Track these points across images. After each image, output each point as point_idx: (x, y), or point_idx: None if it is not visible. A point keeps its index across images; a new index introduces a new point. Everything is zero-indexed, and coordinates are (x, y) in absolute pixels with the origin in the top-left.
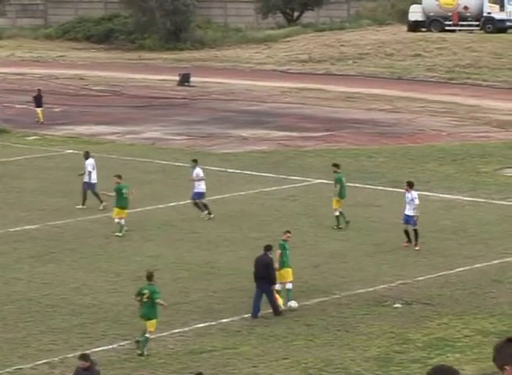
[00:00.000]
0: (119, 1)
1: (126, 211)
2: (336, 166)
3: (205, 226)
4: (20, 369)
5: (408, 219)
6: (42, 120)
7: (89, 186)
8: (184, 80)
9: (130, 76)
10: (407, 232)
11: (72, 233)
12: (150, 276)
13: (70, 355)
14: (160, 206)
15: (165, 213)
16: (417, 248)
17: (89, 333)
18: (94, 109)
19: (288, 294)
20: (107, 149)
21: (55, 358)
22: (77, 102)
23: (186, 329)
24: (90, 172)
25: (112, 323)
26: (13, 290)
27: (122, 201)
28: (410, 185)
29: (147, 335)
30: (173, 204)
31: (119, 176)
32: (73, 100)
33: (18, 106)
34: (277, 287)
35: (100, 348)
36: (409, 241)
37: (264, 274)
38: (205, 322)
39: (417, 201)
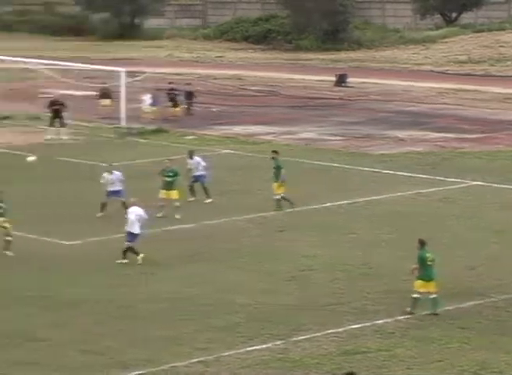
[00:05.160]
0: (277, 1)
1: None
2: (274, 152)
3: (362, 226)
4: (174, 367)
5: None
6: None
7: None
8: (341, 80)
9: (288, 77)
10: None
11: (227, 233)
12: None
13: (225, 354)
14: (316, 206)
15: (322, 213)
16: None
17: (243, 333)
18: (252, 109)
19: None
20: (263, 149)
21: (210, 357)
22: (235, 102)
23: (340, 329)
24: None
25: (266, 322)
26: (169, 288)
27: None
28: None
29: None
30: (329, 204)
31: None
32: (231, 100)
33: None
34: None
35: (254, 347)
36: None
37: None
38: (359, 323)
39: None
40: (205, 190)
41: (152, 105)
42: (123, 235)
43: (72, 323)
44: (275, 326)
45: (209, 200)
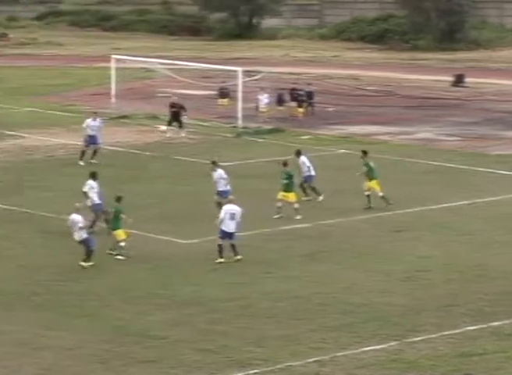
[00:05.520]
0: (395, 1)
1: None
2: (363, 152)
3: (479, 227)
4: (290, 366)
5: None
6: None
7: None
8: (458, 80)
9: (404, 77)
10: None
11: (343, 233)
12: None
13: (340, 354)
14: (432, 207)
15: (438, 214)
16: None
17: (358, 333)
18: (368, 109)
19: None
20: (380, 149)
21: (325, 357)
22: (351, 102)
23: (456, 331)
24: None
25: (381, 322)
26: (285, 287)
27: None
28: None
29: None
30: (446, 205)
31: None
32: (347, 100)
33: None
34: None
35: (369, 348)
36: None
37: None
38: (476, 325)
39: None
40: (313, 189)
41: (269, 104)
42: (240, 234)
43: (189, 321)
44: (390, 327)
45: (320, 197)
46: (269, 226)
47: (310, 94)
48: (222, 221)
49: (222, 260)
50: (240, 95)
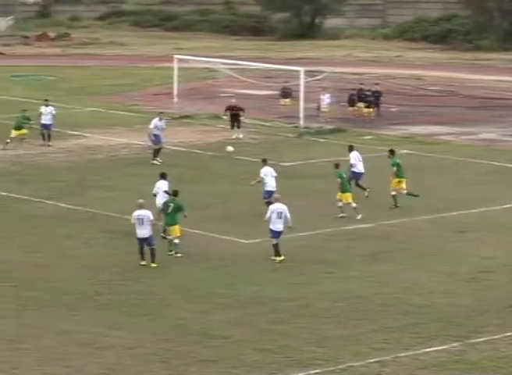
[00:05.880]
0: (458, 1)
1: None
2: (390, 152)
3: None
4: (351, 366)
5: None
6: None
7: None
8: None
9: (466, 77)
10: None
11: (406, 233)
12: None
13: (402, 355)
14: (495, 208)
15: (501, 215)
16: None
17: (421, 333)
18: (430, 110)
19: None
20: (442, 150)
21: (387, 357)
22: (413, 102)
23: None
24: (353, 164)
25: (444, 323)
26: (346, 287)
27: None
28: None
29: None
30: (509, 205)
31: None
32: (409, 100)
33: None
34: None
35: (432, 349)
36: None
37: None
38: None
39: None
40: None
41: (331, 104)
42: (301, 234)
43: (250, 321)
44: (452, 328)
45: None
46: (331, 226)
47: (377, 94)
48: (269, 221)
49: (282, 258)
50: (302, 95)
